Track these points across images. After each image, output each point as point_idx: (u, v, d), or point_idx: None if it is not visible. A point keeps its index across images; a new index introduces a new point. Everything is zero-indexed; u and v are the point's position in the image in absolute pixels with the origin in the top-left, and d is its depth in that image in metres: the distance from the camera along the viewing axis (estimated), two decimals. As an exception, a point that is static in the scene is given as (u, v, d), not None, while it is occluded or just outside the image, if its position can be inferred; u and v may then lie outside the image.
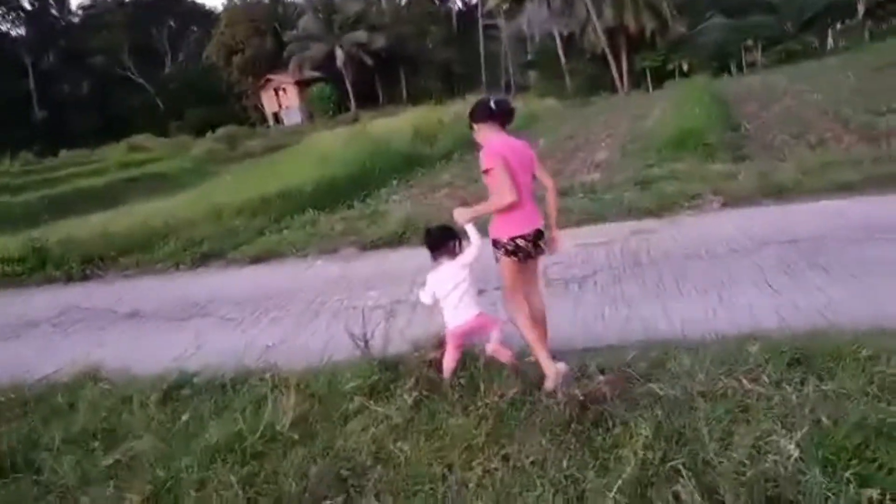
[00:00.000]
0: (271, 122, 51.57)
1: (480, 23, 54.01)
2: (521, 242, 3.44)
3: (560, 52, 41.78)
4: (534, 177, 3.56)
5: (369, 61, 48.16)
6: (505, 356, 3.58)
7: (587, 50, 40.46)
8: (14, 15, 55.48)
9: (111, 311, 6.33)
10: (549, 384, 3.35)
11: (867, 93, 13.87)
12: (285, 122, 49.38)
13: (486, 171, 3.40)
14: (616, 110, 22.82)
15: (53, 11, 57.60)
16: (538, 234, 3.53)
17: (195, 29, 61.61)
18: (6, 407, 4.17)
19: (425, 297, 3.61)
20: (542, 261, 3.86)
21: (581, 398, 3.07)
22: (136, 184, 20.31)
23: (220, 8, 61.66)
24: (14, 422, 3.96)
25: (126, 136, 39.03)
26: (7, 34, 55.32)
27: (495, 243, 3.51)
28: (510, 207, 3.35)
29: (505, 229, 3.44)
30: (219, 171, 24.72)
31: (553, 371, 3.39)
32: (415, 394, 3.41)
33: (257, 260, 7.45)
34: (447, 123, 19.56)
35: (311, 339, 4.84)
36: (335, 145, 16.18)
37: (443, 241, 3.57)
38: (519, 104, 26.38)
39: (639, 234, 6.28)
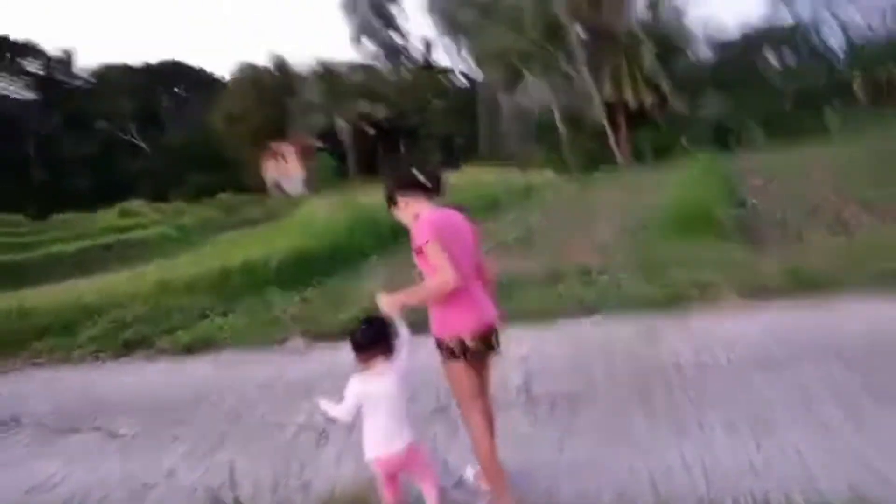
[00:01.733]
0: (273, 189, 51.34)
1: (480, 96, 54.62)
2: (468, 342, 2.75)
3: (559, 125, 41.77)
4: (476, 259, 2.93)
5: (371, 131, 48.34)
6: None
7: (587, 124, 40.44)
8: (22, 81, 56.19)
9: None
10: None
11: (880, 173, 13.02)
12: (287, 190, 49.12)
13: (418, 250, 2.72)
14: (616, 185, 22.10)
15: (61, 76, 58.37)
16: (491, 330, 2.84)
17: (199, 95, 62.37)
18: None
19: (343, 410, 2.78)
20: (494, 363, 3.06)
21: None
22: (109, 251, 19.31)
23: (226, 76, 62.75)
24: None
25: (125, 200, 38.60)
26: (11, 98, 55.87)
27: (438, 343, 2.83)
28: (452, 296, 2.68)
29: (447, 325, 2.77)
30: (208, 239, 23.87)
31: None
32: None
33: (189, 350, 6.30)
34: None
35: (204, 477, 3.67)
36: (320, 215, 15.30)
37: (378, 337, 2.77)
38: (516, 176, 25.94)
39: (643, 332, 5.18)
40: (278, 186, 51.14)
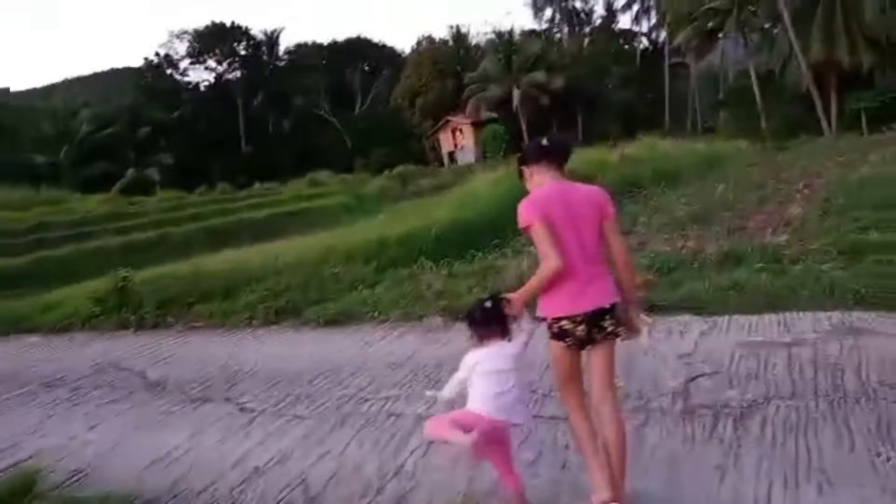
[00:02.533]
0: (447, 161, 52.45)
1: (667, 61, 51.02)
2: (566, 325, 2.62)
3: (756, 90, 37.63)
4: (602, 235, 2.69)
5: (546, 101, 47.22)
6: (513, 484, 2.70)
7: (788, 89, 36.01)
8: (231, 60, 62.38)
9: (142, 377, 5.52)
10: None
11: None
12: (459, 161, 49.90)
13: (525, 230, 2.67)
14: (819, 156, 19.27)
15: (264, 56, 63.93)
16: (599, 314, 2.62)
17: (385, 71, 65.08)
18: None
19: (449, 388, 2.76)
20: (617, 351, 2.78)
21: None
22: (293, 218, 20.68)
23: (408, 50, 64.89)
24: None
25: (317, 171, 41.59)
26: (225, 78, 62.42)
27: (546, 322, 2.72)
28: (557, 278, 2.57)
29: (549, 306, 2.66)
30: (384, 208, 24.80)
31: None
32: None
33: (334, 321, 6.30)
34: (612, 164, 17.67)
35: (313, 467, 3.48)
36: (482, 187, 15.03)
37: (495, 317, 2.69)
38: (700, 146, 23.69)
39: (845, 334, 4.18)
40: (452, 158, 52.07)
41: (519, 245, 9.55)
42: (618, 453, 2.59)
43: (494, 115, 48.77)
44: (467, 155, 49.69)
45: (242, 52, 62.24)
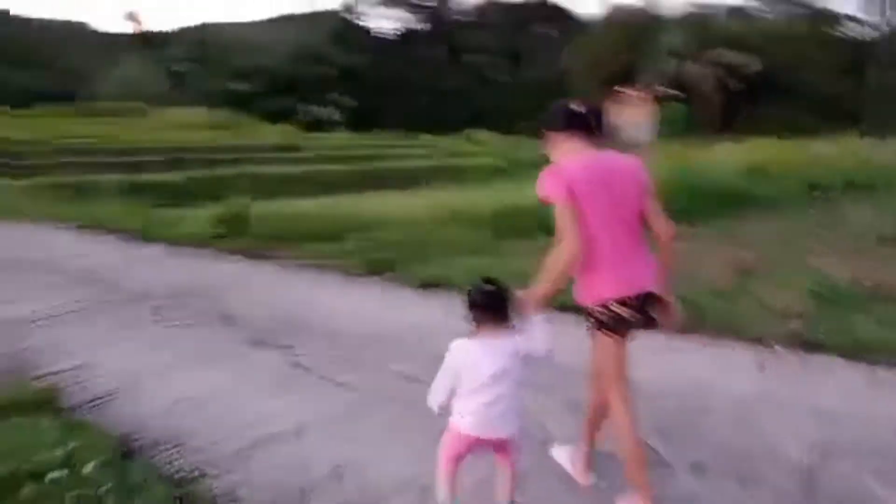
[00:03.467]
0: (615, 135, 49.98)
1: (878, 50, 44.34)
2: (615, 308, 2.40)
3: None
4: (641, 214, 2.45)
5: (735, 84, 43.12)
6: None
7: None
8: (419, 12, 63.48)
9: (221, 308, 5.49)
10: None
11: None
12: (625, 136, 47.31)
13: (544, 202, 2.45)
14: None
15: (450, 12, 64.35)
16: (644, 299, 2.43)
17: (563, 35, 63.06)
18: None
19: (437, 397, 2.46)
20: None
21: None
22: (441, 173, 20.66)
23: (592, 18, 62.17)
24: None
25: (478, 129, 41.57)
26: (411, 29, 63.78)
27: (587, 312, 2.52)
28: (594, 256, 2.36)
29: (590, 290, 2.46)
30: (531, 174, 24.07)
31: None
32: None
33: (426, 286, 5.89)
34: (798, 161, 15.52)
35: (324, 454, 3.05)
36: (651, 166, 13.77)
37: (492, 300, 2.45)
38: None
39: None
40: (620, 132, 49.51)
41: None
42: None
43: (675, 92, 45.44)
44: (636, 131, 46.65)
45: (430, 5, 63.08)
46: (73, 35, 66.49)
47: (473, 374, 2.33)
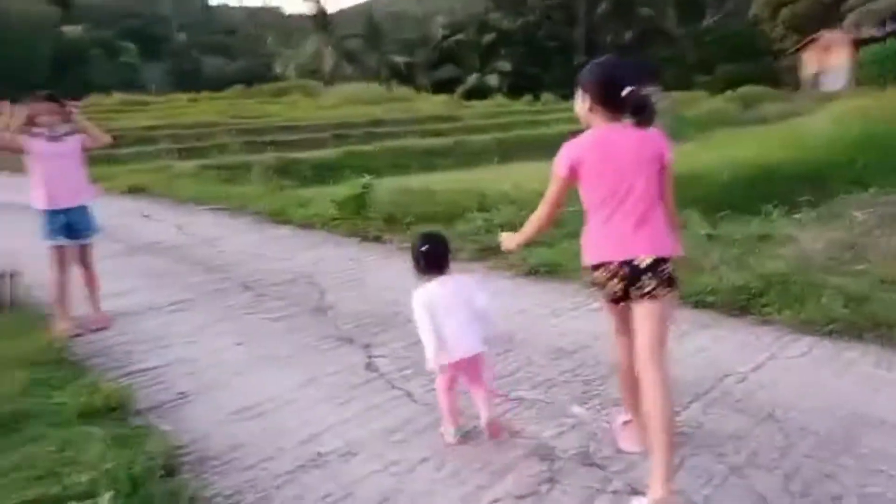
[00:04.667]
0: (808, 85, 44.16)
1: None
2: (598, 276, 2.46)
3: None
4: (661, 186, 2.41)
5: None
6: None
7: None
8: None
9: (320, 297, 5.17)
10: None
11: None
12: (824, 86, 41.49)
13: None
14: None
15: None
16: (639, 269, 2.35)
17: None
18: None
19: (430, 348, 2.73)
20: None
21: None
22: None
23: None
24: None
25: (657, 85, 38.84)
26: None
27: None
28: (591, 224, 2.46)
29: (585, 252, 2.53)
30: (703, 135, 21.80)
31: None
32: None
33: (533, 272, 5.28)
34: None
35: (372, 482, 2.60)
36: (823, 122, 11.80)
37: (431, 252, 2.82)
38: None
39: None
40: (815, 82, 43.48)
41: (837, 208, 7.10)
42: (660, 429, 2.22)
43: (882, 33, 38.78)
44: (835, 79, 40.77)
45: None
46: (268, 20, 72.44)
47: (437, 308, 2.70)
